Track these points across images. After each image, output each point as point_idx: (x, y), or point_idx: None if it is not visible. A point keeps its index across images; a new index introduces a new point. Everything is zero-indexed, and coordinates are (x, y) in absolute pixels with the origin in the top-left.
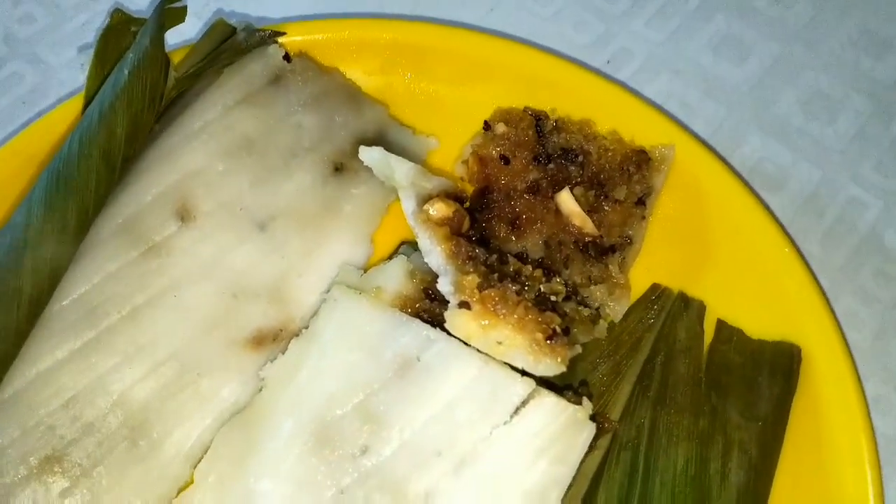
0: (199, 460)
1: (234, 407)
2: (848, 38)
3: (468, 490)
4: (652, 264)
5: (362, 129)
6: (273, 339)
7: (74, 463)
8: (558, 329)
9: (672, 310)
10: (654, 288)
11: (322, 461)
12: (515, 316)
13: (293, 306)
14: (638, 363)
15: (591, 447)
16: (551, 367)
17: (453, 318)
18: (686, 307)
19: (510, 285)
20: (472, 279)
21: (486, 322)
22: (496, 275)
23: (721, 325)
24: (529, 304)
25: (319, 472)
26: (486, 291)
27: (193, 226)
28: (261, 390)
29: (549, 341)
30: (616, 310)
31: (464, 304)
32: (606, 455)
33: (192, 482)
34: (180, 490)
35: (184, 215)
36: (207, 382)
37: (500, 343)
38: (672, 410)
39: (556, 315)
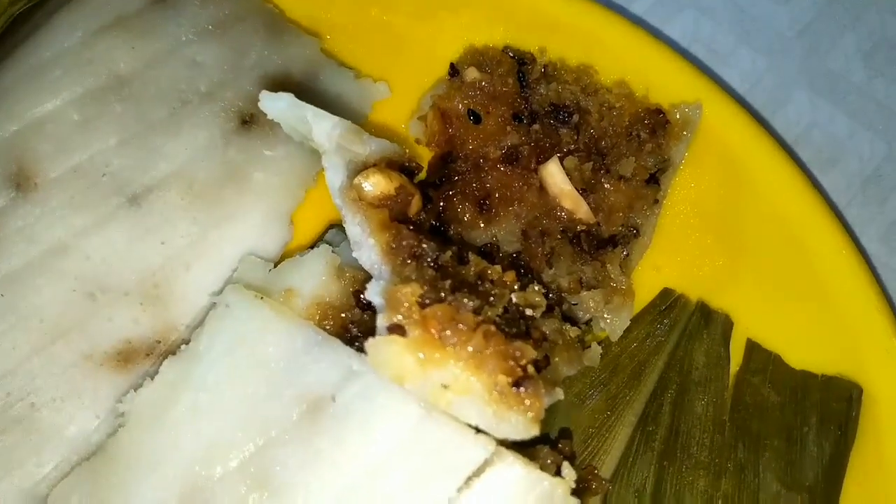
0: None
1: (82, 450)
2: None
3: None
4: (664, 263)
5: (283, 69)
6: (146, 356)
7: None
8: (531, 369)
9: (688, 326)
10: (666, 295)
11: None
12: (470, 347)
13: (176, 310)
14: (640, 398)
15: None
16: (518, 426)
17: (378, 348)
18: (707, 322)
19: (466, 299)
20: (413, 289)
21: (427, 355)
22: (448, 282)
23: (753, 349)
24: (492, 329)
25: None
26: (431, 308)
27: (34, 197)
28: (118, 429)
29: (516, 388)
30: (614, 324)
31: (396, 329)
32: None
33: None
34: None
35: (21, 182)
36: (48, 416)
37: (445, 387)
38: (684, 467)
39: (530, 343)
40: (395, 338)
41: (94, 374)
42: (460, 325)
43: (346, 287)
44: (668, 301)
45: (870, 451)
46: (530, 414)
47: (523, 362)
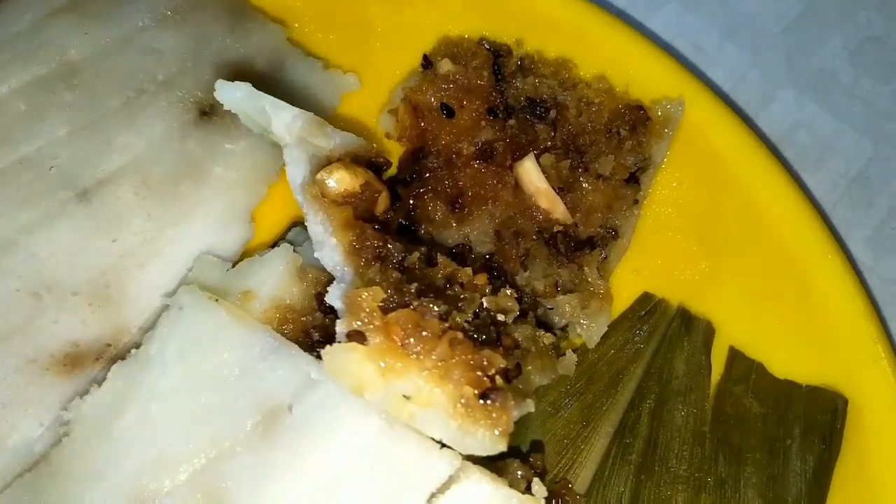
0: None
1: (25, 460)
2: None
3: None
4: (643, 267)
5: (246, 58)
6: (95, 360)
7: None
8: (499, 379)
9: (668, 332)
10: (645, 300)
11: None
12: (434, 356)
13: (127, 312)
14: (617, 408)
15: None
16: (484, 441)
17: (336, 356)
18: (688, 329)
19: (433, 304)
20: (374, 293)
21: (389, 364)
22: (414, 285)
23: (735, 357)
24: (459, 336)
25: None
26: (394, 314)
27: None
28: (63, 439)
29: (483, 400)
30: (591, 330)
31: (355, 335)
32: None
33: None
34: None
35: None
36: None
37: (408, 398)
38: (663, 481)
39: (500, 351)
40: (354, 345)
41: (38, 379)
42: (425, 332)
43: (308, 289)
44: (647, 306)
45: (854, 465)
46: (497, 429)
47: (491, 372)
